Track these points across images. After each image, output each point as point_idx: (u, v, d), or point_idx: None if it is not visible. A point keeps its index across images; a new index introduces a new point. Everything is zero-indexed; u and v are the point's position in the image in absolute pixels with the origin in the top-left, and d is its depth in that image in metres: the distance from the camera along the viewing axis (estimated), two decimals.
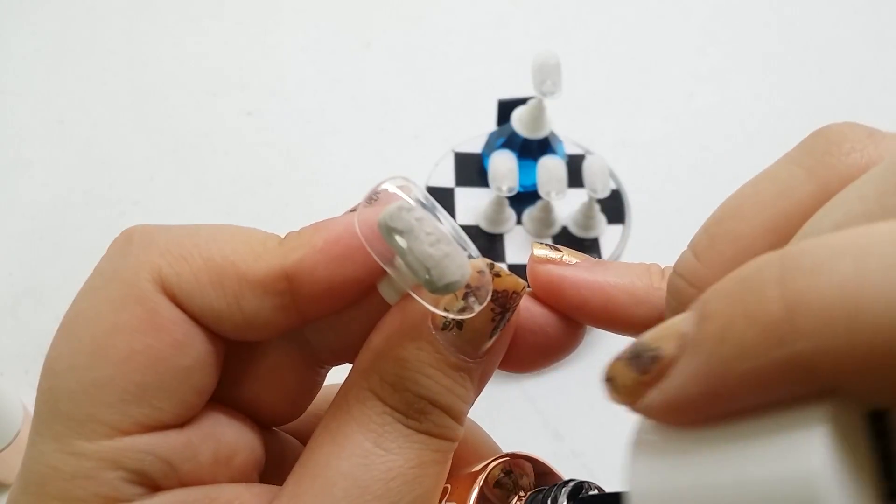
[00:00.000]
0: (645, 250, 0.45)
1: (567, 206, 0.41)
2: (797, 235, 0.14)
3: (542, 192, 0.37)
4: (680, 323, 0.13)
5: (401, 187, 0.17)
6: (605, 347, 0.45)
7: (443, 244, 0.15)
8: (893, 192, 0.13)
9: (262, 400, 0.19)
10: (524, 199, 0.41)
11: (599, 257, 0.40)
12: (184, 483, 0.16)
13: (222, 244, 0.17)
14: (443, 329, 0.16)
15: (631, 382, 0.14)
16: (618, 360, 0.14)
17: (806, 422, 0.12)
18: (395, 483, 0.16)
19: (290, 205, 0.52)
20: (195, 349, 0.16)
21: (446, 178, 0.43)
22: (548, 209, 0.40)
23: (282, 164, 0.54)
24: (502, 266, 0.16)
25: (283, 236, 0.17)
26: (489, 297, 0.16)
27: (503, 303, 0.17)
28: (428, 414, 0.16)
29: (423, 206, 0.16)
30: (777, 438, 0.12)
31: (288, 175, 0.53)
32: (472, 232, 0.41)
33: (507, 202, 0.40)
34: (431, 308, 0.16)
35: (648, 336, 0.14)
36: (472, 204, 0.42)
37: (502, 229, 0.41)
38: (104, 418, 0.15)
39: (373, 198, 0.16)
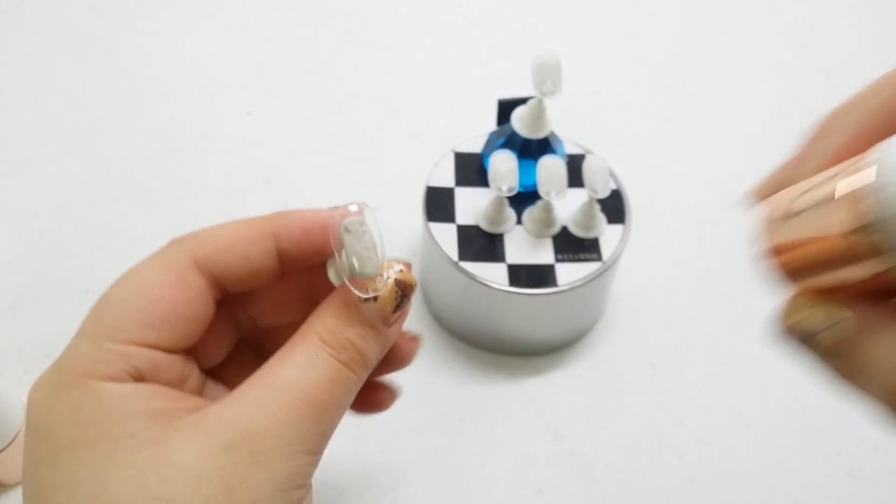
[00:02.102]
0: (645, 251, 0.45)
1: (567, 205, 0.41)
2: None
3: (542, 191, 0.37)
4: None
5: (365, 209, 0.25)
6: (604, 348, 0.45)
7: (370, 251, 0.25)
8: None
9: (206, 349, 0.28)
10: (524, 199, 0.41)
11: (599, 258, 0.40)
12: (158, 382, 0.25)
13: (231, 228, 0.27)
14: (364, 301, 0.25)
15: None
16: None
17: None
18: (318, 386, 0.24)
19: (289, 205, 0.51)
20: (200, 307, 0.26)
21: (446, 178, 0.43)
22: (548, 209, 0.40)
23: (282, 164, 0.54)
24: (404, 268, 0.26)
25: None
26: (390, 284, 0.25)
27: (403, 289, 0.26)
28: (348, 350, 0.25)
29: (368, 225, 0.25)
30: None
31: (288, 175, 0.53)
32: (472, 232, 0.41)
33: (507, 202, 0.40)
34: (355, 291, 0.25)
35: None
36: (472, 204, 0.42)
37: (502, 229, 0.41)
38: (129, 332, 0.24)
39: (349, 207, 0.25)
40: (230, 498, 0.22)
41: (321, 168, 0.54)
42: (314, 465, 0.25)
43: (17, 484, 0.38)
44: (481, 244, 0.40)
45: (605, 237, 0.41)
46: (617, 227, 0.41)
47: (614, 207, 0.42)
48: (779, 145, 0.61)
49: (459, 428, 0.41)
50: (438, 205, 0.42)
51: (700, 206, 0.53)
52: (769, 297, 0.20)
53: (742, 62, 0.64)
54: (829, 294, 0.17)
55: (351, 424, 0.40)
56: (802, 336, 0.18)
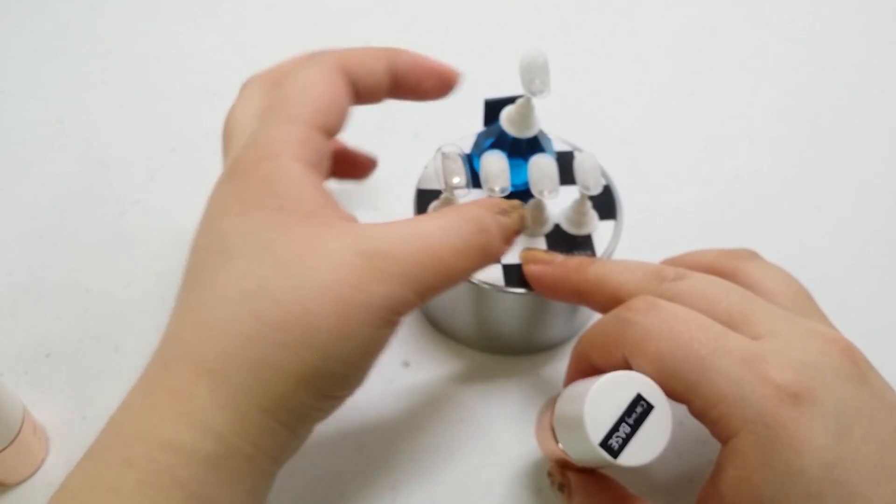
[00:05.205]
0: (637, 245, 0.45)
1: (558, 203, 0.41)
2: None
3: (534, 190, 0.37)
4: None
5: (455, 149, 0.37)
6: None
7: (458, 166, 0.37)
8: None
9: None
10: (514, 198, 0.41)
11: (593, 253, 0.40)
12: (319, 171, 0.33)
13: (363, 49, 0.37)
14: (501, 211, 0.34)
15: None
16: None
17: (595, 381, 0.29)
18: (446, 246, 0.30)
19: None
20: (346, 100, 0.35)
21: (435, 181, 0.43)
22: (540, 208, 0.40)
23: None
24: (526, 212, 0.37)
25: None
26: (522, 216, 0.36)
27: (522, 221, 0.36)
28: (479, 222, 0.32)
29: (461, 156, 0.37)
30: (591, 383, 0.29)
31: None
32: None
33: None
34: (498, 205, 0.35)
35: None
36: None
37: None
38: (307, 117, 0.32)
39: (445, 146, 0.38)
40: (352, 289, 0.28)
41: None
42: (407, 308, 0.29)
43: (17, 483, 0.39)
44: None
45: (598, 233, 0.41)
46: (608, 223, 0.41)
47: (604, 203, 0.42)
48: (781, 144, 0.61)
49: (459, 428, 0.41)
50: (429, 208, 0.41)
51: (697, 203, 0.53)
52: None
53: (731, 59, 0.64)
54: (566, 466, 0.34)
55: (351, 424, 0.41)
56: (553, 486, 0.34)
